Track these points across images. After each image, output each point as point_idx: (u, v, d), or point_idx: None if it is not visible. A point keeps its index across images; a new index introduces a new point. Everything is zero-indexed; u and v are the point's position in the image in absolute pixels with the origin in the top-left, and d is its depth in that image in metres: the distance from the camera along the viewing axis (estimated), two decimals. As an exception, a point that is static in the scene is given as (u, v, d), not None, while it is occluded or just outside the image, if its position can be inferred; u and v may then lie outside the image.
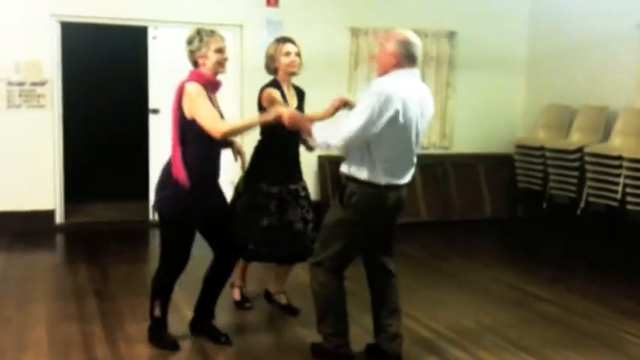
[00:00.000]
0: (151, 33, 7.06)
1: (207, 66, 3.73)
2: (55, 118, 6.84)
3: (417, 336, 4.19)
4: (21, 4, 6.61)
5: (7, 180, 6.64)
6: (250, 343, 4.07)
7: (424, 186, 7.90)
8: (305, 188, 4.43)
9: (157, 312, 3.87)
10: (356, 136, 3.35)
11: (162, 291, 3.87)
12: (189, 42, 3.75)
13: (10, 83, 6.63)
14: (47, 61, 6.73)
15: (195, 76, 3.73)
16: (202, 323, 4.07)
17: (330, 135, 3.46)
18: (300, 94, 4.39)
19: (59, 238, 6.79)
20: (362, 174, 3.44)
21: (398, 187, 3.53)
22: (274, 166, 4.26)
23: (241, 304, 4.60)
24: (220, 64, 3.76)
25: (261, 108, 4.14)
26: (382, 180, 3.44)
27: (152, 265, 5.99)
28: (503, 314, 4.68)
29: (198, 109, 3.62)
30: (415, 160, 3.55)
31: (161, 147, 6.99)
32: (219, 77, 3.83)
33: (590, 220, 7.15)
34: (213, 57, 3.72)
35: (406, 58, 3.38)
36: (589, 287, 5.43)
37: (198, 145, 3.70)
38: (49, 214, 6.86)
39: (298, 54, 4.24)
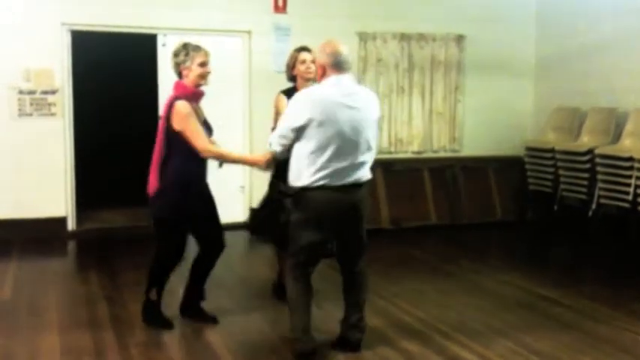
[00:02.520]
0: (160, 40, 7.10)
1: (189, 78, 4.09)
2: (65, 125, 6.89)
3: (427, 339, 4.18)
4: (32, 13, 6.66)
5: (18, 188, 6.70)
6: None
7: (434, 189, 7.89)
8: None
9: (154, 295, 4.25)
10: (282, 137, 3.70)
11: (159, 279, 4.26)
12: (176, 55, 4.10)
13: (21, 92, 6.68)
14: (58, 70, 6.78)
15: (182, 90, 4.07)
16: (191, 305, 4.41)
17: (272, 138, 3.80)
18: None
19: (71, 245, 6.83)
20: (300, 181, 3.69)
21: (339, 189, 3.68)
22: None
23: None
24: (202, 77, 4.11)
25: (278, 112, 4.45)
26: (320, 182, 3.64)
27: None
28: (515, 318, 4.65)
29: (189, 127, 3.97)
30: (363, 160, 3.73)
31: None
32: (204, 88, 4.18)
33: (602, 221, 7.11)
34: (196, 70, 4.06)
35: (333, 66, 3.69)
36: (601, 290, 5.40)
37: (185, 155, 4.03)
38: (61, 221, 6.91)
39: (314, 61, 4.36)
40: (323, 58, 3.72)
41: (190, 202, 4.10)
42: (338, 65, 3.69)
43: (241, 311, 4.69)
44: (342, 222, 3.80)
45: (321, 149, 3.63)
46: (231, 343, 4.09)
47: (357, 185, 3.76)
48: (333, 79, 3.70)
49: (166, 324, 4.28)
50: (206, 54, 4.13)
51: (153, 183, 4.12)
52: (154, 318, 4.29)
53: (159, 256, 4.29)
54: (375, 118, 3.84)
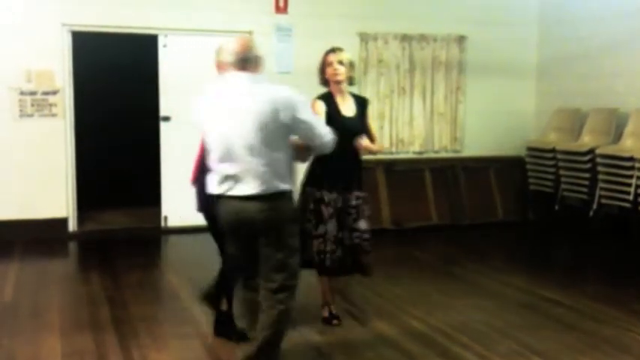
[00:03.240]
0: (161, 41, 7.10)
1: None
2: (67, 126, 6.89)
3: (429, 340, 4.18)
4: (32, 14, 6.66)
5: (20, 188, 6.70)
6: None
7: (435, 190, 7.89)
8: (359, 197, 4.28)
9: (224, 305, 4.09)
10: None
11: (224, 285, 4.04)
12: (217, 54, 3.75)
13: (22, 93, 6.68)
14: (59, 71, 6.78)
15: None
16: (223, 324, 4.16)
17: None
18: (361, 102, 4.37)
19: (72, 246, 6.83)
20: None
21: (232, 198, 3.26)
22: (328, 173, 4.17)
23: (328, 321, 4.41)
24: None
25: None
26: (216, 189, 3.30)
27: (164, 272, 6.07)
28: (516, 318, 4.65)
29: None
30: (252, 168, 3.19)
31: (172, 154, 7.07)
32: None
33: (603, 221, 7.11)
34: None
35: (232, 64, 3.32)
36: (602, 290, 5.40)
37: None
38: (62, 222, 6.90)
39: (341, 62, 4.21)
40: (224, 56, 3.39)
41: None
42: (237, 63, 3.29)
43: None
44: (239, 236, 3.37)
45: (210, 151, 3.31)
46: (234, 345, 4.07)
47: (250, 198, 3.21)
48: (225, 79, 3.34)
49: (240, 336, 3.88)
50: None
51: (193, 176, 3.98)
52: (227, 330, 4.09)
53: (224, 260, 4.02)
54: (280, 124, 3.18)
